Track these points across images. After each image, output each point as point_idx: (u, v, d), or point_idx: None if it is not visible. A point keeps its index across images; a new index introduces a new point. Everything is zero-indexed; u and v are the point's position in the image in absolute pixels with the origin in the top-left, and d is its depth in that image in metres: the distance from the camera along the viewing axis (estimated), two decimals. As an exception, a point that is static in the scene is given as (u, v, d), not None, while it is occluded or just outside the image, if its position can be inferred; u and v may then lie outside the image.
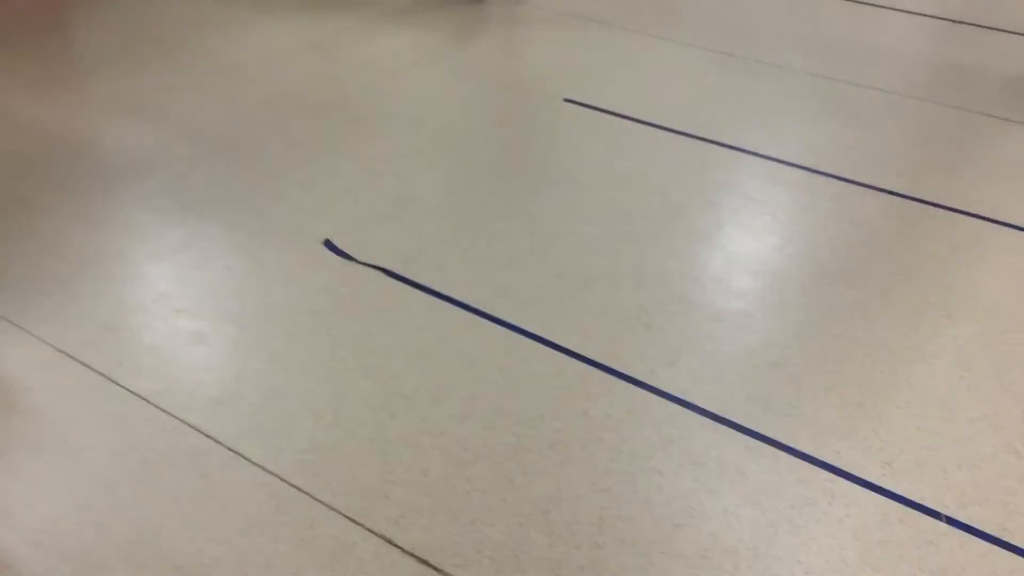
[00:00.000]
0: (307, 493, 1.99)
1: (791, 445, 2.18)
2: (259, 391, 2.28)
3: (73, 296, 2.56)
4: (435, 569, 1.82)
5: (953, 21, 4.78)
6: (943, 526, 1.96)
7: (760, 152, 3.42)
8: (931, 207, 3.11)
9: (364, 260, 2.74)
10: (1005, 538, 1.95)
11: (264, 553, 1.84)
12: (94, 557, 1.83)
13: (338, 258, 2.76)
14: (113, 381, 2.28)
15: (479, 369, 2.38)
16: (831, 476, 2.09)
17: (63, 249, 2.75)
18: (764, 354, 2.46)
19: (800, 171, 3.31)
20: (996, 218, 3.06)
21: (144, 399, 2.23)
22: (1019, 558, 1.90)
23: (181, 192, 3.05)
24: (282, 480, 2.02)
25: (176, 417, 2.18)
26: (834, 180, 3.26)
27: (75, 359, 2.34)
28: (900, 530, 1.96)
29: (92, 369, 2.31)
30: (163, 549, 1.85)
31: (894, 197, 3.16)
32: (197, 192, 3.05)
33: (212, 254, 2.76)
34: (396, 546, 1.86)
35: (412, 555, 1.85)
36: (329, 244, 2.81)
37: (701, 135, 3.53)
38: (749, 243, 2.92)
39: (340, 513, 1.94)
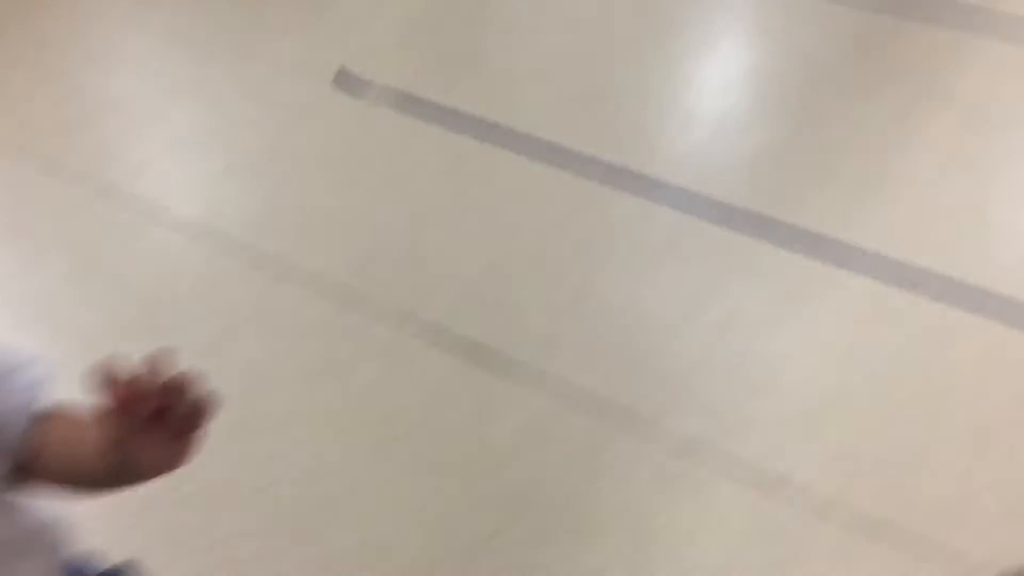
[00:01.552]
0: (355, 301, 2.17)
1: (794, 225, 2.37)
2: (300, 212, 2.43)
3: (103, 137, 2.67)
4: (479, 357, 2.02)
5: None
6: (933, 300, 2.18)
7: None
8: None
9: (380, 84, 2.83)
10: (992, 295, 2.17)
11: (323, 355, 2.04)
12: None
13: (354, 88, 2.85)
14: (155, 213, 2.42)
15: (497, 188, 2.53)
16: (830, 260, 2.29)
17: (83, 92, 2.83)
18: (764, 149, 2.61)
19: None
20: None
21: (190, 224, 2.38)
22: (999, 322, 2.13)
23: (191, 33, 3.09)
24: (329, 291, 2.20)
25: (223, 240, 2.34)
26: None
27: (118, 192, 2.48)
28: (898, 305, 2.17)
29: (137, 200, 2.45)
30: (233, 358, 2.04)
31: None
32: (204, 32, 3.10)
33: (224, 93, 2.84)
34: (442, 341, 2.07)
35: (459, 345, 2.05)
36: (342, 74, 2.89)
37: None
38: (742, 53, 3.03)
39: (387, 316, 2.13)
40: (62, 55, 2.95)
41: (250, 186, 2.54)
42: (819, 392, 1.97)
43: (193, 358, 2.01)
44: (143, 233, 2.38)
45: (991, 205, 2.38)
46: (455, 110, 2.74)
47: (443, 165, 2.60)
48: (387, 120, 2.70)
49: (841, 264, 2.26)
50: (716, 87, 2.89)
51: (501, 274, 2.28)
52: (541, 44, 3.04)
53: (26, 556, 0.82)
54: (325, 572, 1.55)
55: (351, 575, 1.55)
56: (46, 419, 0.82)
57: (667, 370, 2.00)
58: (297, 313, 2.14)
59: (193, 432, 0.60)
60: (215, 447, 1.75)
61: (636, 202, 2.50)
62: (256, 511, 1.65)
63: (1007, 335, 2.06)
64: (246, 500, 1.67)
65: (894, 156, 2.53)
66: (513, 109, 2.75)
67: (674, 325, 2.13)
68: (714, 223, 2.43)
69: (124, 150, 2.63)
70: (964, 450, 1.83)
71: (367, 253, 2.33)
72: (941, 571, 1.61)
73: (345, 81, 2.81)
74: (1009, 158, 2.53)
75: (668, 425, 1.86)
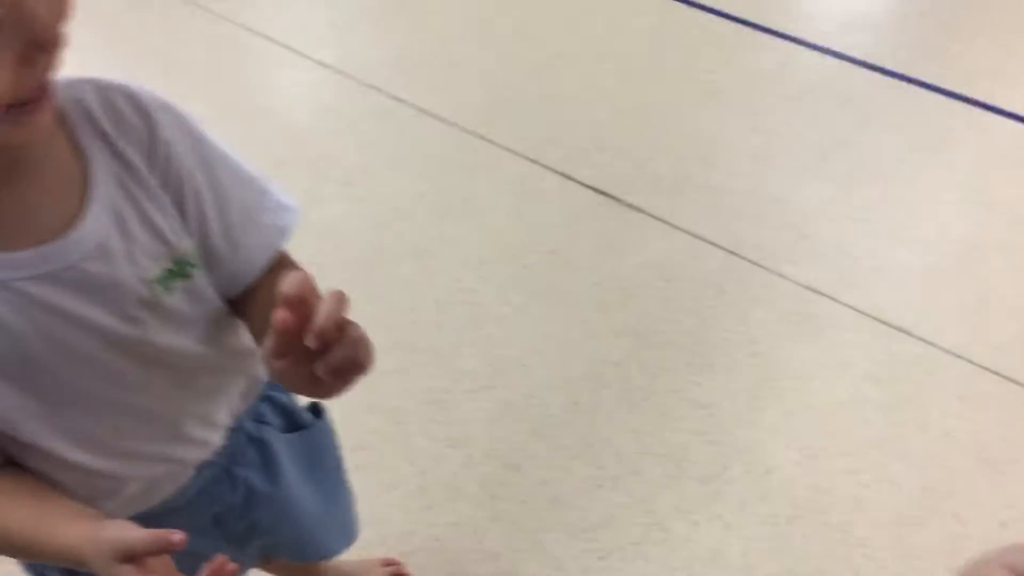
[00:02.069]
0: (490, 141, 2.24)
1: (936, 73, 2.28)
2: (436, 56, 2.49)
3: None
4: (609, 196, 2.07)
5: None
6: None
7: None
8: None
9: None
10: None
11: (458, 190, 2.13)
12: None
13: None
14: (295, 54, 2.52)
15: (631, 31, 2.51)
16: (977, 110, 2.21)
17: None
18: (913, 3, 2.49)
19: None
20: None
21: (330, 66, 2.47)
22: None
23: None
24: (465, 131, 2.27)
25: (359, 81, 2.43)
26: None
27: (259, 33, 2.58)
28: (1043, 155, 2.09)
29: (274, 41, 2.55)
30: (373, 189, 2.16)
31: None
32: None
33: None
34: (574, 180, 2.12)
35: (589, 187, 2.10)
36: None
37: None
38: None
39: (521, 156, 2.19)
40: None
41: (386, 31, 2.60)
42: (953, 243, 1.95)
43: (336, 187, 2.15)
44: (285, 73, 2.49)
45: None
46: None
47: (575, 11, 2.59)
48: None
49: (985, 110, 2.18)
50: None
51: (634, 118, 2.29)
52: None
53: (231, 374, 0.84)
54: (456, 385, 1.68)
55: (484, 386, 1.67)
56: (275, 266, 0.78)
57: (796, 216, 2.00)
58: (434, 150, 2.23)
59: (342, 381, 0.55)
60: (359, 271, 1.89)
61: (775, 50, 2.44)
62: (396, 328, 1.78)
63: None
64: (387, 319, 1.80)
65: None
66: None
67: (805, 172, 2.12)
68: (854, 71, 2.36)
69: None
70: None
71: (504, 96, 2.38)
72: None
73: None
74: None
75: (795, 270, 1.88)
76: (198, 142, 0.71)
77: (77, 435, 0.71)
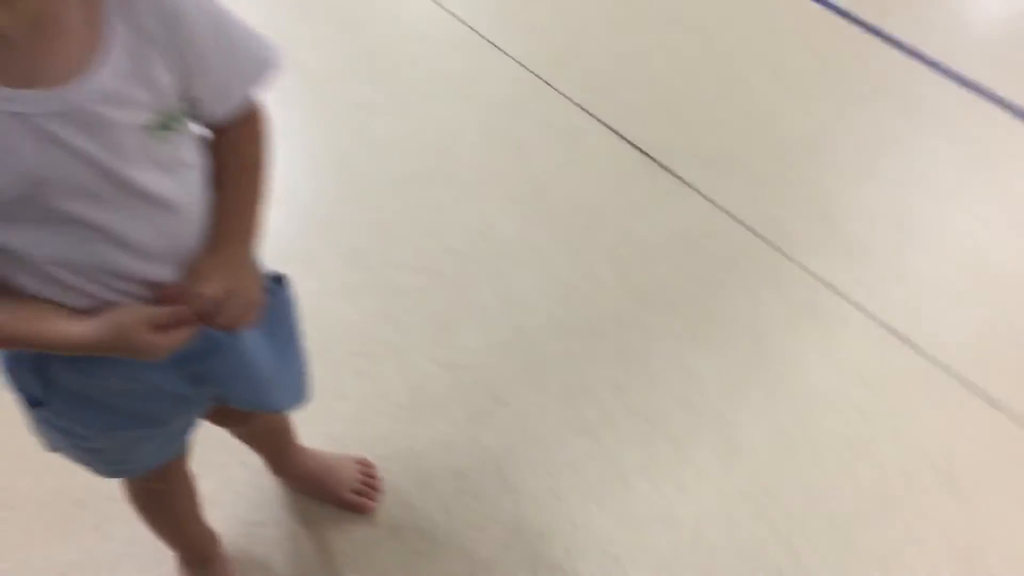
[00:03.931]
0: (552, 86, 2.28)
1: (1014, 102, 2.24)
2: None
3: None
4: (653, 160, 2.11)
5: None
6: None
7: None
8: None
9: None
10: None
11: (511, 133, 2.19)
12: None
13: None
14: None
15: (714, 2, 2.50)
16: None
17: None
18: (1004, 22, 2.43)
19: None
20: None
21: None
22: None
23: None
24: (530, 71, 2.31)
25: (440, 5, 2.48)
26: None
27: None
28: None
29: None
30: (431, 116, 2.23)
31: None
32: None
33: None
34: (621, 137, 2.16)
35: (634, 146, 2.14)
36: None
37: None
38: None
39: (578, 106, 2.23)
40: None
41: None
42: (979, 263, 1.94)
43: (392, 103, 2.21)
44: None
45: None
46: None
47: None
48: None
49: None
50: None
51: (695, 87, 2.31)
52: None
53: (202, 225, 0.93)
54: (466, 313, 1.76)
55: (491, 319, 1.76)
56: (248, 112, 0.91)
57: (831, 209, 2.02)
58: (495, 84, 2.29)
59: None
60: (399, 189, 1.98)
61: (855, 42, 2.41)
62: (423, 251, 1.87)
63: None
64: (417, 240, 1.89)
65: None
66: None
67: (852, 168, 2.12)
68: (929, 77, 2.33)
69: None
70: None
71: (574, 45, 2.41)
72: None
73: None
74: None
75: (816, 262, 1.90)
76: None
77: (61, 252, 0.81)
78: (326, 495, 1.47)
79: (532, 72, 2.31)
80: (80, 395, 0.95)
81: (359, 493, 1.48)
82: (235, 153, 0.94)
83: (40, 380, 0.93)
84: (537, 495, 1.52)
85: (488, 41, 2.38)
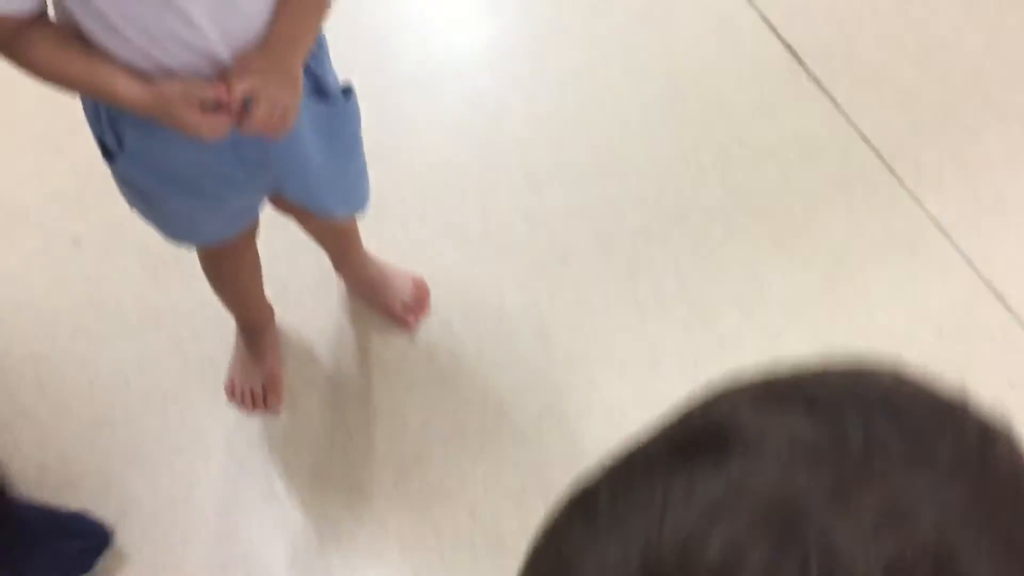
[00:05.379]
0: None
1: None
2: None
3: None
4: (799, 62, 2.02)
5: None
6: None
7: None
8: None
9: None
10: None
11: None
12: None
13: None
14: None
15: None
16: None
17: None
18: None
19: None
20: None
21: None
22: None
23: None
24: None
25: None
26: None
27: None
28: None
29: None
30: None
31: None
32: None
33: None
34: (776, 34, 2.07)
35: (787, 44, 2.05)
36: None
37: None
38: None
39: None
40: None
41: None
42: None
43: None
44: None
45: None
46: None
47: None
48: None
49: None
50: None
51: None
52: None
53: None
54: (559, 170, 1.80)
55: (581, 180, 1.78)
56: None
57: (978, 153, 1.88)
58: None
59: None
60: (536, 50, 1.99)
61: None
62: (541, 100, 1.91)
63: None
64: (540, 91, 1.92)
65: None
66: None
67: (1014, 110, 1.95)
68: None
69: None
70: None
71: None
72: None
73: None
74: None
75: (935, 199, 1.79)
76: None
77: (131, 8, 0.89)
78: (377, 303, 1.60)
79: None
80: (146, 156, 1.05)
81: (407, 309, 1.60)
82: None
83: (113, 133, 1.04)
84: (570, 353, 1.59)
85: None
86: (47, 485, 1.45)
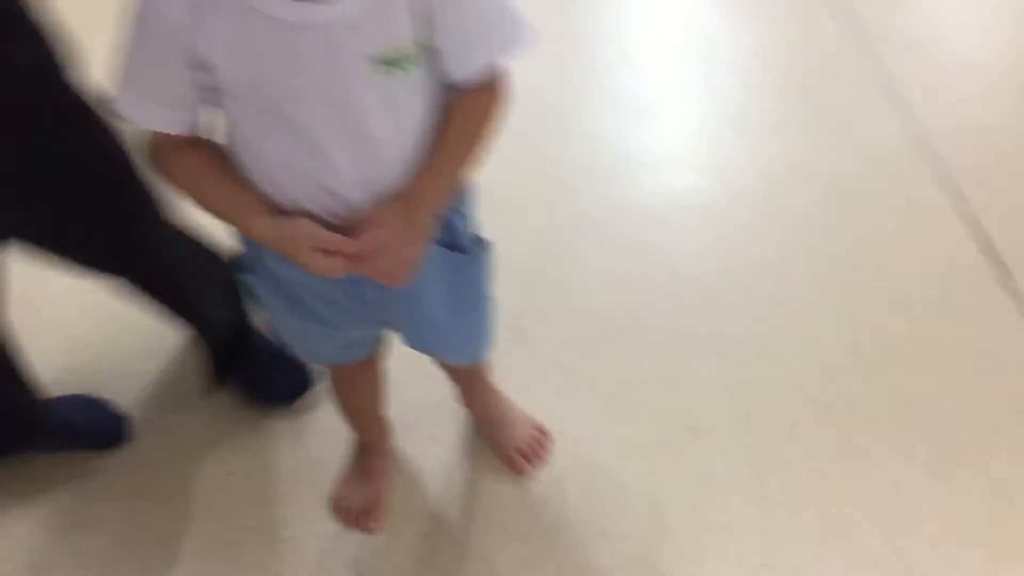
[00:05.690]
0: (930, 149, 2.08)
1: None
2: None
3: None
4: (1003, 266, 1.86)
5: None
6: None
7: None
8: None
9: None
10: None
11: (856, 180, 2.04)
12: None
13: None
14: None
15: None
16: None
17: None
18: None
19: None
20: None
21: None
22: None
23: None
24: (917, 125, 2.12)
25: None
26: None
27: None
28: None
29: None
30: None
31: None
32: None
33: None
34: (974, 228, 1.92)
35: (988, 244, 1.89)
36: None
37: None
38: None
39: (946, 178, 2.02)
40: None
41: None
42: None
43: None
44: None
45: None
46: None
47: None
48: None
49: None
50: None
51: None
52: None
53: (410, 166, 0.98)
54: (707, 342, 1.72)
55: (729, 353, 1.70)
56: (487, 83, 0.96)
57: None
58: (869, 131, 2.14)
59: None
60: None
61: None
62: (691, 274, 1.85)
63: None
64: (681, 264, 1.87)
65: None
66: None
67: None
68: None
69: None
70: None
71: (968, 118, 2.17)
72: None
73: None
74: None
75: None
76: None
77: (284, 151, 0.93)
78: (493, 442, 1.57)
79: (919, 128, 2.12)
80: (275, 276, 1.08)
81: (523, 453, 1.55)
82: (459, 117, 0.98)
83: (252, 250, 1.08)
84: (681, 537, 1.49)
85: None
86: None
